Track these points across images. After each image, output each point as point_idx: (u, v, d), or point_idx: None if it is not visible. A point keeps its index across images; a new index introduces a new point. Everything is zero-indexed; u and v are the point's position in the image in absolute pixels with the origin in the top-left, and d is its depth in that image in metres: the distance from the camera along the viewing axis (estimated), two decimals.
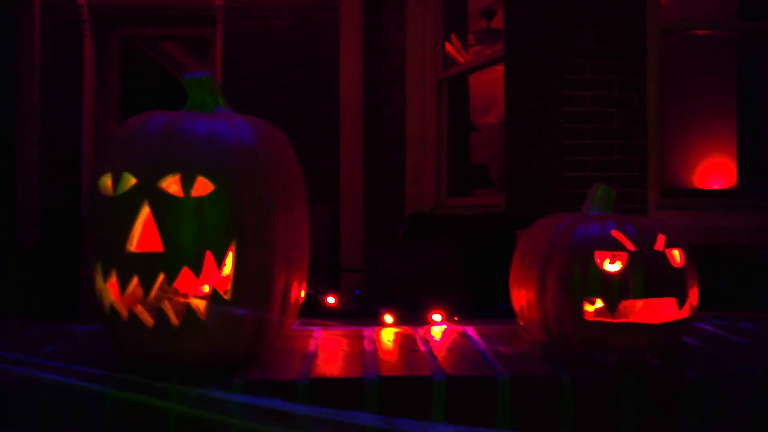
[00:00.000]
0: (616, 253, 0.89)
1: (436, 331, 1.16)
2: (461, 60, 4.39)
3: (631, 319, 0.89)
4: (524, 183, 3.18)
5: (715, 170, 4.24)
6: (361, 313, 1.17)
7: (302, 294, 1.03)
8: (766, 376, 0.89)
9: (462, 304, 3.18)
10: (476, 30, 5.50)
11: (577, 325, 0.90)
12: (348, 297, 3.17)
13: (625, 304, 0.89)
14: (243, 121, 0.94)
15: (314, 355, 0.98)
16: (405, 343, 1.07)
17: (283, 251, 0.90)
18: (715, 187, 4.27)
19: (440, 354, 0.99)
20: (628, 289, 0.87)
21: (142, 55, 5.97)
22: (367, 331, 1.15)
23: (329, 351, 1.01)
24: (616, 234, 0.90)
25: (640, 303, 0.91)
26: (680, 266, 0.90)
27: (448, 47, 4.62)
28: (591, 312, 0.89)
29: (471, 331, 1.16)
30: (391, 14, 4.36)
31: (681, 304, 0.89)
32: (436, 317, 1.19)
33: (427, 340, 1.09)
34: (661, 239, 0.90)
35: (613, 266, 0.88)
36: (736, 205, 3.05)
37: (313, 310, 1.20)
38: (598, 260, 0.89)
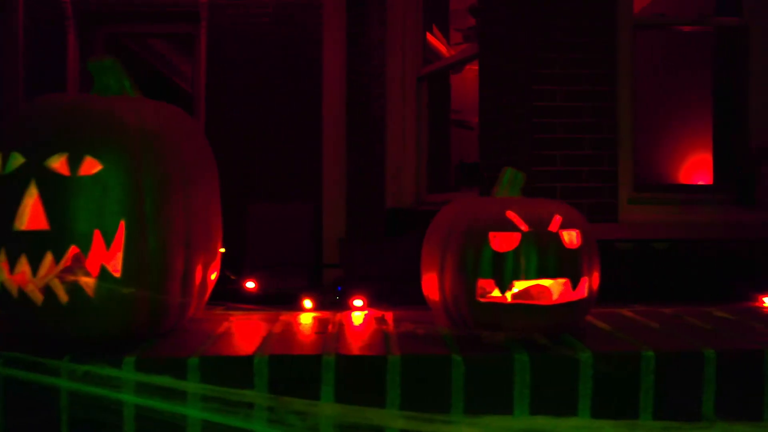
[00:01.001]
0: (509, 233, 0.89)
1: (357, 316, 1.17)
2: (447, 56, 4.40)
3: (524, 300, 0.89)
4: (497, 177, 3.18)
5: (692, 166, 4.23)
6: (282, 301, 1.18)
7: (212, 276, 1.04)
8: (655, 356, 0.90)
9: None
10: (464, 27, 5.51)
11: (471, 305, 0.90)
12: (330, 293, 3.18)
13: (517, 284, 0.89)
14: (146, 104, 0.95)
15: (219, 336, 0.99)
16: (316, 326, 1.08)
17: (182, 233, 0.91)
18: (693, 182, 4.26)
19: (343, 336, 0.99)
20: (520, 269, 0.87)
21: (129, 53, 5.99)
22: (284, 316, 1.15)
23: (237, 333, 1.01)
24: (510, 215, 0.90)
25: (533, 283, 0.91)
26: (574, 247, 0.90)
27: (436, 44, 4.63)
28: (484, 292, 0.90)
29: (389, 315, 1.16)
30: (373, 11, 4.37)
31: (575, 285, 0.89)
32: (358, 302, 1.20)
33: (343, 324, 1.10)
34: (556, 220, 0.90)
35: (505, 247, 0.89)
36: (708, 200, 3.05)
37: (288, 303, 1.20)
38: (492, 241, 0.89)
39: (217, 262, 1.05)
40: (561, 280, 0.89)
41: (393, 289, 3.19)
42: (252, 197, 4.68)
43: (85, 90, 4.73)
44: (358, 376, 0.87)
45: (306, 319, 1.13)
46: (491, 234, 0.89)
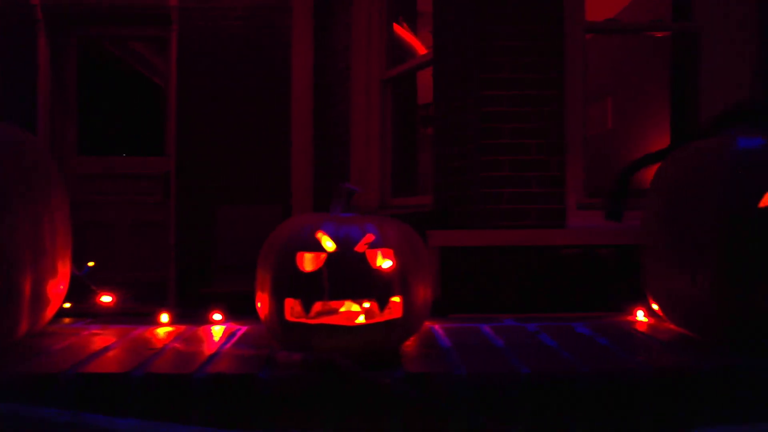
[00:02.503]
0: (315, 253, 0.90)
1: (216, 330, 1.18)
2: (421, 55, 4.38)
3: (327, 320, 0.90)
4: (449, 182, 3.18)
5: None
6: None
7: (53, 291, 1.05)
8: (468, 377, 0.89)
9: None
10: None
11: (282, 325, 0.91)
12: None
13: (322, 305, 0.90)
14: None
15: (42, 353, 0.99)
16: (158, 341, 1.08)
17: (28, 250, 0.92)
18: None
19: (170, 352, 1.00)
20: (323, 289, 0.88)
21: (108, 54, 6.02)
22: (138, 331, 1.16)
23: (63, 350, 1.02)
24: (319, 235, 0.90)
25: (340, 303, 0.91)
26: (384, 268, 0.90)
27: (414, 43, 4.62)
28: (292, 312, 0.90)
29: (242, 330, 1.17)
30: (339, 14, 4.37)
31: (382, 306, 0.90)
32: (217, 317, 1.21)
33: (188, 339, 1.10)
34: (366, 240, 0.90)
35: (309, 267, 0.89)
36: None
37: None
38: (298, 261, 0.90)
39: (60, 278, 1.06)
40: (366, 302, 0.89)
41: None
42: (221, 199, 4.70)
43: (58, 96, 4.76)
44: (162, 394, 0.88)
45: (160, 334, 1.14)
46: (299, 254, 0.90)
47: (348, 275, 0.86)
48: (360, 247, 0.89)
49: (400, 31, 4.69)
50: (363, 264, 0.87)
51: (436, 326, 1.21)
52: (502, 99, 2.93)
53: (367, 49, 4.12)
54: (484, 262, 2.76)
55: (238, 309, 1.39)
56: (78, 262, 1.18)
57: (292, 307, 0.89)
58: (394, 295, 0.89)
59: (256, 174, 4.78)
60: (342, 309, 0.91)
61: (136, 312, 1.22)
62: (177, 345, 1.04)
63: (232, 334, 1.13)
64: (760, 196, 0.96)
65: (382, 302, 0.88)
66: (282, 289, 0.88)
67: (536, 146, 2.94)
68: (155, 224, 5.05)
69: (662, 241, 1.12)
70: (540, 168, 2.94)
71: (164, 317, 1.18)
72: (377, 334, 0.89)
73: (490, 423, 0.89)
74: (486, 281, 2.76)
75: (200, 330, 1.17)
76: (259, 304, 0.97)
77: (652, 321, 1.29)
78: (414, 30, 4.80)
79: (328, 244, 0.88)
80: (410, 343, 1.05)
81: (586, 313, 1.58)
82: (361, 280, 0.87)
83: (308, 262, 0.87)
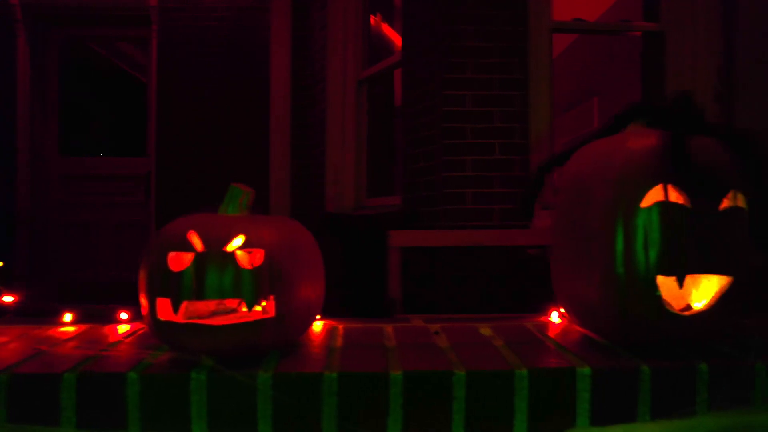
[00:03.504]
0: (184, 253, 0.90)
1: (121, 329, 1.18)
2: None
3: (194, 320, 0.90)
4: (416, 183, 3.18)
5: None
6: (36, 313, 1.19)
7: None
8: (338, 378, 0.89)
9: (339, 300, 3.19)
10: None
11: (155, 324, 0.91)
12: None
13: (189, 304, 0.90)
14: None
15: None
16: (51, 340, 1.08)
17: None
18: None
19: (55, 351, 1.00)
20: (190, 289, 0.88)
21: (95, 55, 6.03)
22: (37, 330, 1.16)
23: None
24: (190, 235, 0.91)
25: (210, 303, 0.91)
26: (252, 267, 0.90)
27: (396, 39, 4.61)
28: (164, 311, 0.90)
29: (144, 329, 1.17)
30: (315, 14, 4.37)
31: (251, 306, 0.89)
32: (123, 315, 1.21)
33: (86, 338, 1.10)
34: (237, 240, 0.90)
35: (178, 266, 0.89)
36: None
37: None
38: (169, 260, 0.90)
39: None
40: (235, 301, 0.89)
41: None
42: (201, 199, 4.69)
43: (39, 97, 4.75)
44: (29, 394, 0.88)
45: (57, 333, 1.14)
46: (170, 253, 0.90)
47: (216, 274, 0.86)
48: (229, 247, 0.89)
49: (384, 28, 4.69)
50: (230, 264, 0.87)
51: (340, 326, 1.21)
52: (465, 99, 2.93)
53: (343, 49, 4.12)
54: (445, 263, 2.76)
55: None
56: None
57: (162, 306, 0.89)
58: (264, 294, 0.89)
59: (236, 174, 4.78)
60: (202, 307, 0.91)
61: (42, 312, 1.22)
62: (70, 344, 1.04)
63: (132, 333, 1.13)
64: (643, 196, 0.96)
65: (250, 302, 0.88)
66: (154, 289, 0.88)
67: (500, 146, 2.94)
68: (137, 225, 5.06)
69: (563, 241, 1.12)
70: (503, 168, 2.94)
71: (68, 317, 1.18)
72: (246, 333, 0.89)
73: (361, 423, 0.89)
74: (447, 282, 2.76)
75: (105, 329, 1.17)
76: (141, 303, 0.97)
77: (564, 322, 1.29)
78: (394, 26, 4.80)
79: (198, 244, 0.88)
80: (300, 342, 1.05)
81: (526, 315, 1.57)
82: (230, 280, 0.87)
83: (176, 261, 0.88)
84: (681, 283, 0.96)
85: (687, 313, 0.98)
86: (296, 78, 4.55)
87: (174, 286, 0.88)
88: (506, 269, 2.81)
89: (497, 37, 2.92)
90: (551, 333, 1.18)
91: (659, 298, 0.96)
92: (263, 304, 0.92)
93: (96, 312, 1.33)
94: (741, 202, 0.98)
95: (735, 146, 1.00)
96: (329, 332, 1.17)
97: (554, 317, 1.32)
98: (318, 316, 1.28)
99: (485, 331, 1.18)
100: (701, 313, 0.98)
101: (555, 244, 1.16)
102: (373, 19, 4.36)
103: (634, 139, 1.03)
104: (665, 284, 0.97)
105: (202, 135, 4.82)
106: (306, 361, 0.95)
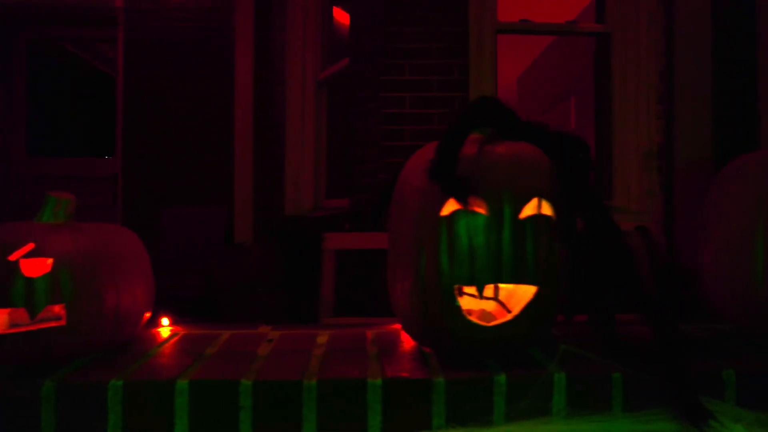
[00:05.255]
0: None
1: None
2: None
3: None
4: (360, 184, 3.17)
5: None
6: None
7: None
8: (125, 384, 0.89)
9: (282, 306, 3.18)
10: None
11: None
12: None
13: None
14: None
15: None
16: None
17: None
18: None
19: None
20: None
21: (70, 55, 6.05)
22: None
23: None
24: None
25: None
26: (39, 276, 0.89)
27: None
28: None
29: None
30: (276, 16, 4.37)
31: (32, 315, 0.89)
32: None
33: None
34: (23, 249, 0.90)
35: None
36: None
37: None
38: None
39: None
40: (16, 310, 0.89)
41: (244, 298, 3.19)
42: (167, 200, 4.72)
43: (6, 100, 4.76)
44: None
45: None
46: None
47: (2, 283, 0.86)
48: (14, 256, 0.88)
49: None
50: (12, 272, 0.87)
51: (183, 332, 1.21)
52: (404, 101, 2.91)
53: (303, 50, 4.12)
54: (376, 266, 2.75)
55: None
56: None
57: None
58: (50, 303, 0.89)
59: (201, 175, 4.78)
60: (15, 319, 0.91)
61: None
62: None
63: None
64: (442, 204, 0.94)
65: (33, 310, 0.88)
66: None
67: None
68: None
69: (391, 248, 1.11)
70: None
71: None
72: (31, 343, 0.89)
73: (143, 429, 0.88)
74: (378, 285, 2.75)
75: None
76: None
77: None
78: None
79: None
80: (122, 348, 1.05)
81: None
82: (8, 288, 0.86)
83: None
84: (481, 293, 0.94)
85: (493, 323, 0.96)
86: (258, 79, 4.55)
87: None
88: None
89: (437, 38, 2.90)
90: (386, 340, 1.17)
91: (459, 308, 0.94)
92: (55, 310, 0.91)
93: None
94: (547, 209, 0.96)
95: (547, 150, 0.99)
96: (163, 337, 1.16)
97: None
98: (167, 321, 1.27)
99: (321, 339, 1.17)
100: (506, 323, 0.96)
101: (389, 252, 1.15)
102: (337, 12, 4.34)
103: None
104: (466, 294, 0.95)
105: (168, 136, 4.82)
106: (105, 369, 0.94)
